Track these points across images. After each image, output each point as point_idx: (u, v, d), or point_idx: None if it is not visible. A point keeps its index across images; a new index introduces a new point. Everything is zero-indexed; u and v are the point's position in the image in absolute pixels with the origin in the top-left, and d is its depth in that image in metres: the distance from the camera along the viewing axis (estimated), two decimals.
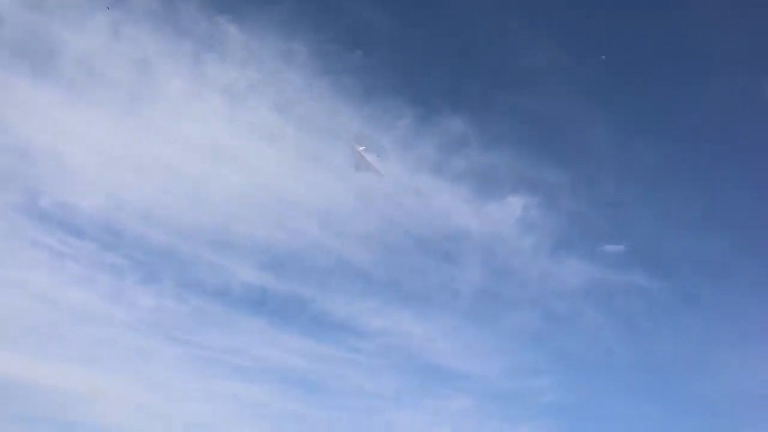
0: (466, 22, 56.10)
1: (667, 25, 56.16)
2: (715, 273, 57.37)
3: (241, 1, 53.89)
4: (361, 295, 56.73)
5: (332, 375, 54.67)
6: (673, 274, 57.69)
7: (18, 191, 49.57)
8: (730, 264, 56.94)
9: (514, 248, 57.52)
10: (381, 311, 56.57)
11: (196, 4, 52.16)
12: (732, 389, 54.81)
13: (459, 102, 57.04)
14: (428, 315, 57.29)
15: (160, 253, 53.29)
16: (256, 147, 54.71)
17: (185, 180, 53.71)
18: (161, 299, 52.47)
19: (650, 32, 56.36)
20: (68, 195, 50.70)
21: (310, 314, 55.52)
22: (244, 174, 54.87)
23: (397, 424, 53.92)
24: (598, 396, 56.72)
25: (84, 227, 51.03)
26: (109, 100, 50.87)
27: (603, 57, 54.97)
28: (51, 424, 47.66)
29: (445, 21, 56.20)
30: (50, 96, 49.52)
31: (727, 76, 55.95)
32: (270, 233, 55.53)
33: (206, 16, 52.50)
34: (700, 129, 57.33)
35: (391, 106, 55.91)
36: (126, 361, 50.50)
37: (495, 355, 57.00)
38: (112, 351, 50.31)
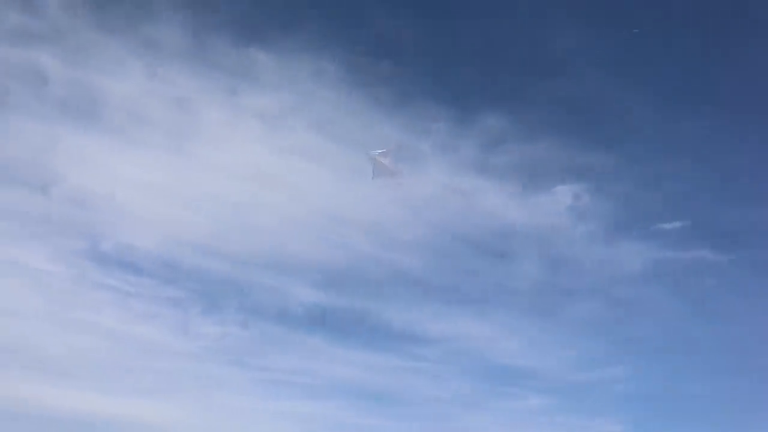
0: (491, 16, 55.73)
1: None
2: None
3: (267, 28, 55.15)
4: (419, 303, 56.67)
5: (399, 385, 54.66)
6: (739, 245, 55.24)
7: (80, 238, 51.78)
8: None
9: (568, 238, 56.42)
10: (440, 317, 56.37)
11: (225, 37, 53.80)
12: None
13: (494, 97, 56.65)
14: (488, 315, 56.71)
15: (218, 283, 54.58)
16: (297, 167, 55.54)
17: (234, 208, 54.91)
18: (224, 327, 53.76)
19: None
20: (126, 236, 52.61)
21: (370, 327, 55.73)
22: (290, 195, 55.75)
23: (469, 429, 53.39)
24: (676, 380, 54.74)
25: (143, 265, 52.76)
26: (153, 141, 52.77)
27: (636, 30, 53.62)
28: None
29: (470, 18, 56.02)
30: (98, 144, 51.83)
31: None
32: (321, 251, 56.19)
33: (236, 48, 54.08)
34: (750, 93, 55.07)
35: (426, 110, 55.99)
36: (196, 390, 51.81)
37: (562, 350, 55.82)
38: (181, 381, 51.71)
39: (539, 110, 56.79)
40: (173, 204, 53.98)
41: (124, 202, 52.44)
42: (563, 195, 56.39)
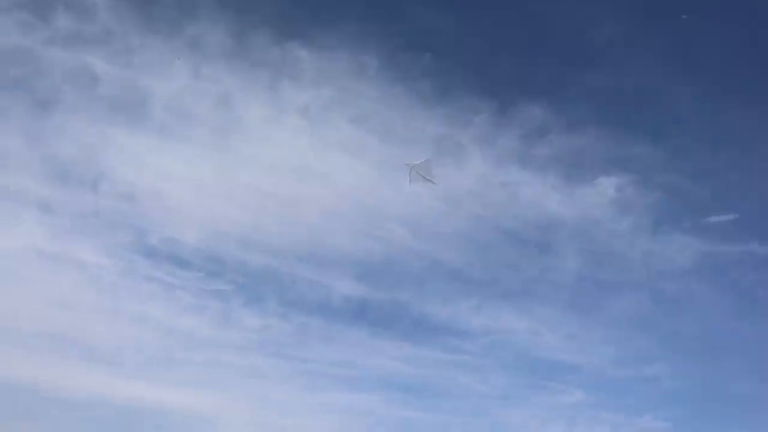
0: (530, 5, 55.03)
1: None
2: None
3: (307, 24, 55.83)
4: (459, 296, 56.66)
5: (439, 378, 54.85)
6: None
7: (128, 232, 53.65)
8: None
9: (611, 231, 55.33)
10: (481, 310, 56.21)
11: (266, 34, 54.67)
12: None
13: (535, 89, 55.94)
14: (529, 309, 56.25)
15: (260, 276, 55.78)
16: (339, 162, 56.17)
17: (276, 202, 55.94)
18: (266, 319, 54.85)
19: None
20: (172, 230, 54.17)
21: (411, 320, 56.08)
22: (331, 189, 56.41)
23: (509, 423, 53.21)
24: (722, 378, 53.24)
25: (189, 258, 54.27)
26: (198, 137, 54.20)
27: (684, 16, 51.92)
28: None
29: (509, 9, 55.50)
30: (145, 141, 53.56)
31: None
32: (362, 244, 56.72)
33: (277, 45, 54.91)
34: None
35: (467, 103, 55.70)
36: (239, 380, 53.11)
37: (604, 345, 54.94)
38: (225, 372, 53.09)
39: (581, 101, 56.00)
40: (217, 198, 55.46)
41: (170, 197, 54.27)
42: (606, 187, 55.45)
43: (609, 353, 54.71)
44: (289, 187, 55.94)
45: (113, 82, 52.61)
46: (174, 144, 54.13)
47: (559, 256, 56.14)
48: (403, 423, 53.44)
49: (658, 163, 54.86)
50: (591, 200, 55.53)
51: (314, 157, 55.97)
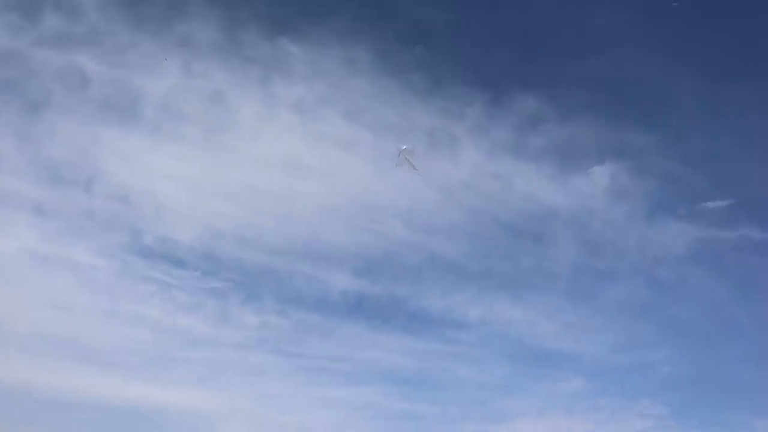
0: None
1: None
2: None
3: (298, 19, 55.72)
4: (456, 288, 56.64)
5: (438, 370, 54.88)
6: None
7: (123, 232, 53.32)
8: None
9: (607, 219, 55.48)
10: (478, 301, 56.25)
11: (257, 30, 54.54)
12: None
13: (528, 78, 56.01)
14: (526, 299, 56.34)
15: (257, 273, 55.60)
16: (333, 156, 56.09)
17: (271, 199, 55.83)
18: (264, 316, 54.69)
19: None
20: (167, 230, 53.87)
21: (409, 312, 56.04)
22: (326, 184, 56.34)
23: (509, 411, 53.25)
24: (720, 363, 53.54)
25: (185, 257, 54.03)
26: (190, 135, 54.09)
27: (674, 3, 52.03)
28: None
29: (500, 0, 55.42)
30: (138, 141, 53.34)
31: None
32: (359, 239, 56.67)
33: (268, 41, 54.79)
34: None
35: (460, 94, 55.72)
36: (238, 378, 52.99)
37: (602, 332, 55.10)
38: (224, 370, 52.97)
39: (574, 90, 56.11)
40: (211, 196, 55.25)
41: (164, 196, 54.00)
42: (601, 175, 55.61)
43: (607, 340, 55.04)
44: (284, 184, 55.91)
45: (104, 82, 52.51)
46: (167, 143, 54.05)
47: (555, 245, 56.36)
48: (403, 415, 53.63)
49: (652, 150, 55.17)
50: (586, 189, 55.76)
51: (308, 152, 55.93)
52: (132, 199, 53.25)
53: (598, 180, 55.33)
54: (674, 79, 54.60)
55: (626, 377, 54.02)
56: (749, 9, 53.17)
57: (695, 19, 53.93)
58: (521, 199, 56.13)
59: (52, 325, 50.35)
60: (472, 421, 52.86)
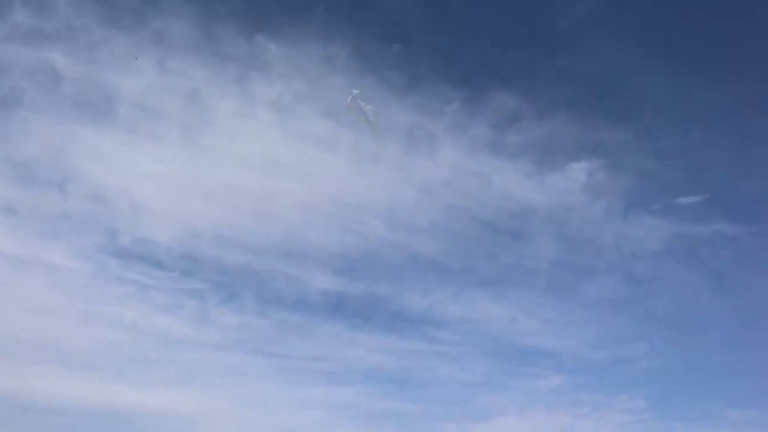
0: None
1: None
2: None
3: (276, 17, 55.11)
4: (436, 286, 56.90)
5: (419, 368, 55.04)
6: (759, 217, 54.88)
7: (99, 233, 52.34)
8: None
9: (584, 216, 56.13)
10: (458, 299, 56.55)
11: (235, 28, 53.79)
12: None
13: (505, 76, 56.32)
14: (506, 296, 56.79)
15: (237, 273, 55.13)
16: (312, 155, 55.64)
17: (250, 198, 55.31)
18: (243, 317, 54.30)
19: None
20: (143, 230, 53.10)
21: (389, 311, 56.10)
22: (305, 183, 55.91)
23: (490, 409, 53.63)
24: (695, 355, 54.65)
25: (163, 258, 53.33)
26: (167, 134, 53.22)
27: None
28: None
29: None
30: (113, 139, 52.30)
31: None
32: (339, 238, 56.43)
33: (246, 38, 54.08)
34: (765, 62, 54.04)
35: (438, 92, 55.74)
36: (218, 379, 52.59)
37: (581, 328, 55.81)
38: (204, 371, 52.46)
39: (551, 87, 56.62)
40: (189, 196, 54.52)
41: (140, 196, 53.07)
42: (578, 172, 56.15)
43: (586, 336, 55.77)
44: (263, 182, 55.43)
45: (77, 79, 51.28)
46: (143, 142, 53.05)
47: (534, 242, 56.90)
48: (385, 414, 53.68)
49: (627, 146, 56.03)
50: (563, 186, 56.32)
51: (287, 151, 55.48)
52: (108, 199, 52.46)
53: (575, 177, 56.04)
54: (648, 75, 55.71)
55: (605, 372, 54.95)
56: (723, 3, 54.29)
57: (668, 15, 54.88)
58: (500, 196, 56.58)
59: (28, 329, 49.31)
60: (453, 420, 53.30)
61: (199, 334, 53.20)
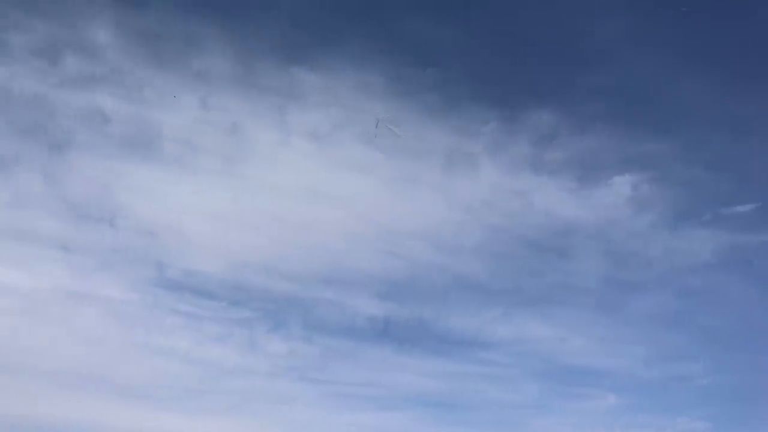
0: (529, 12, 55.16)
1: None
2: None
3: (311, 48, 56.47)
4: (483, 307, 56.21)
5: (468, 391, 54.25)
6: None
7: (149, 266, 53.86)
8: None
9: (630, 230, 54.83)
10: (505, 320, 55.71)
11: (272, 61, 55.54)
12: None
13: (542, 92, 56.04)
14: (554, 315, 55.61)
15: (283, 301, 55.66)
16: (351, 181, 56.36)
17: (292, 226, 56.08)
18: (291, 344, 54.69)
19: None
20: (192, 262, 54.35)
21: (436, 335, 55.61)
22: (346, 209, 56.52)
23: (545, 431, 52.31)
24: (758, 371, 51.97)
25: (211, 289, 54.32)
26: (210, 167, 54.79)
27: (684, 9, 51.73)
28: None
29: (509, 14, 55.63)
30: (159, 175, 54.21)
31: None
32: (381, 263, 56.57)
33: (283, 70, 55.69)
34: None
35: (475, 112, 55.86)
36: (268, 406, 52.80)
37: (633, 345, 54.10)
38: (254, 398, 52.83)
39: (590, 101, 55.92)
40: (233, 227, 55.76)
41: (186, 228, 54.61)
42: (622, 186, 55.06)
43: (639, 354, 54.03)
44: (304, 211, 56.19)
45: (123, 119, 53.54)
46: (187, 176, 54.76)
47: (580, 259, 55.75)
48: None
49: (672, 157, 54.63)
50: (607, 201, 55.23)
51: (326, 178, 56.32)
52: (156, 233, 54.09)
53: (620, 191, 54.92)
54: (690, 83, 54.30)
55: (662, 392, 52.93)
56: (764, 7, 52.70)
57: (707, 22, 53.62)
58: (543, 214, 55.82)
59: (84, 361, 51.00)
60: None
61: (248, 362, 54.05)
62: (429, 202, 56.77)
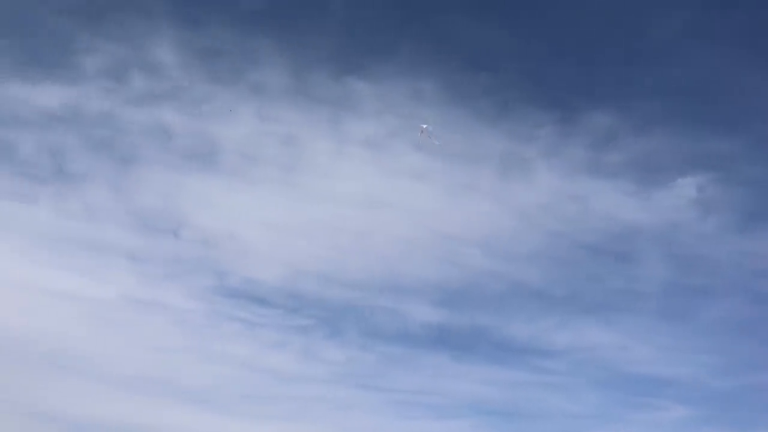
0: (583, 10, 54.08)
1: None
2: None
3: (364, 58, 57.30)
4: (541, 314, 55.14)
5: (527, 399, 53.14)
6: None
7: (210, 275, 55.51)
8: None
9: (696, 233, 52.66)
10: (564, 327, 54.40)
11: (326, 72, 56.56)
12: None
13: (598, 94, 54.91)
14: (615, 322, 53.95)
15: (340, 308, 56.22)
16: (407, 188, 56.48)
17: (349, 234, 56.71)
18: (348, 351, 55.02)
19: None
20: (251, 270, 55.64)
21: (493, 342, 54.91)
22: (401, 217, 56.66)
23: None
24: None
25: (269, 297, 55.47)
26: (268, 178, 56.25)
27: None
28: None
29: (563, 16, 54.76)
30: (218, 186, 55.94)
31: None
32: (438, 270, 56.30)
33: (336, 80, 56.65)
34: None
35: (529, 116, 55.23)
36: (326, 413, 53.18)
37: (703, 354, 51.74)
38: (312, 405, 53.37)
39: (648, 101, 54.43)
40: (291, 235, 56.81)
41: (246, 238, 56.09)
42: (686, 187, 53.13)
43: (709, 363, 51.67)
44: (360, 219, 56.75)
45: (185, 134, 55.80)
46: (246, 186, 56.37)
47: (642, 264, 53.95)
48: None
49: (739, 156, 52.47)
50: (670, 203, 53.33)
51: (382, 186, 56.72)
52: (217, 243, 55.69)
53: (683, 192, 52.98)
54: (754, 80, 51.93)
55: (737, 402, 50.41)
56: None
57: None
58: (602, 218, 54.39)
59: (150, 366, 52.73)
60: None
61: (305, 369, 54.64)
62: (485, 208, 56.24)
